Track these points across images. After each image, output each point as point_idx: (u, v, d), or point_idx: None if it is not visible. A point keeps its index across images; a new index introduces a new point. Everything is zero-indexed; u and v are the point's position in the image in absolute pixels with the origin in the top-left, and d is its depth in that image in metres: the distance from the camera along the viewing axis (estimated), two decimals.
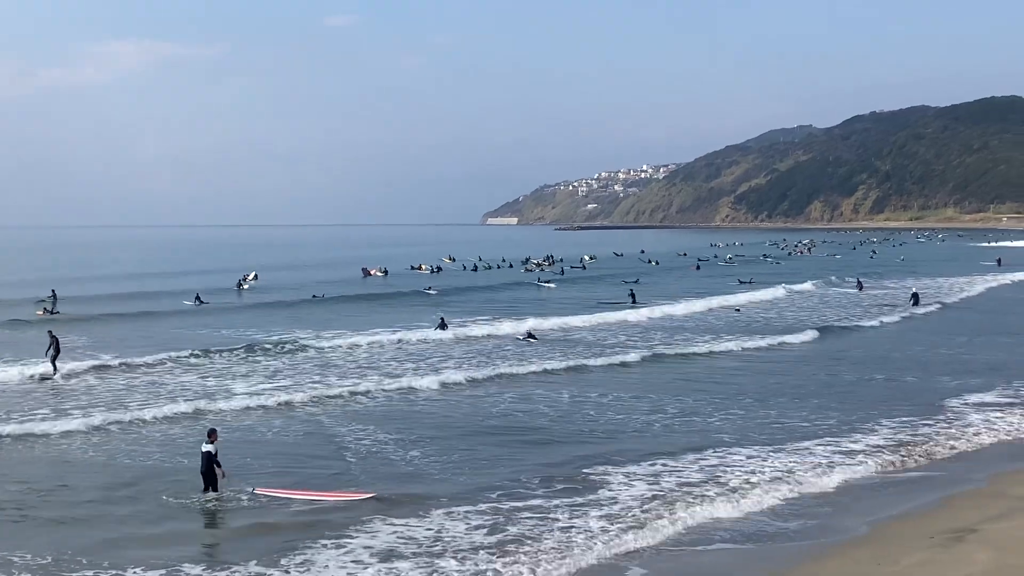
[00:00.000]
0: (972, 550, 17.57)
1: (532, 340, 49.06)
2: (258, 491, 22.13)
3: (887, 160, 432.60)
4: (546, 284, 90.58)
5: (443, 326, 52.11)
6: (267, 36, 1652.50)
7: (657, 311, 62.89)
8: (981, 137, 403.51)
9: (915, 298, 67.11)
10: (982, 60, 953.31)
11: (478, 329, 52.97)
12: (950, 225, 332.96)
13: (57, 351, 38.89)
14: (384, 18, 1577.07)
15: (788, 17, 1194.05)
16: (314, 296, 76.08)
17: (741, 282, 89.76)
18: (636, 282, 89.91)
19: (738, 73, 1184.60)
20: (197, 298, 71.85)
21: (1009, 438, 27.55)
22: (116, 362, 40.74)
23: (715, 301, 69.14)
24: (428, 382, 36.22)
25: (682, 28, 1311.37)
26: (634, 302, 69.51)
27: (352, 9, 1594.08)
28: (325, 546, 18.57)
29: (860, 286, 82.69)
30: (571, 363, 41.20)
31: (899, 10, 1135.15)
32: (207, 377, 38.13)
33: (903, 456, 25.30)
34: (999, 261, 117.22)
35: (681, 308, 64.67)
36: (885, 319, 58.69)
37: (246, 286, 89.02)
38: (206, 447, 22.07)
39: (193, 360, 41.63)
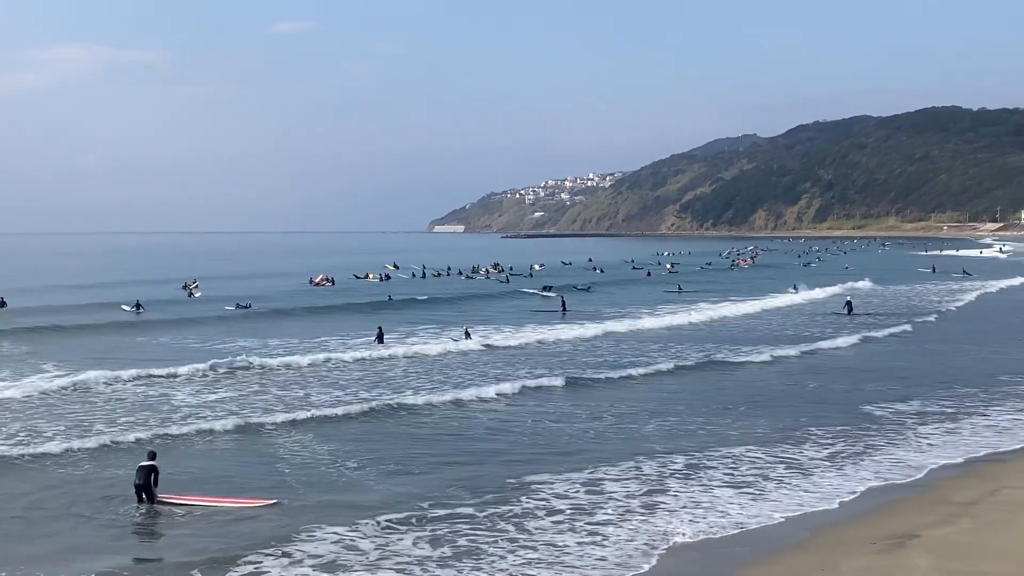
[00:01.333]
0: (913, 556, 17.63)
1: (468, 341, 49.63)
2: (160, 497, 21.94)
3: (830, 169, 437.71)
4: (547, 294, 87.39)
5: (380, 338, 51.05)
6: (216, 42, 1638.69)
7: (634, 323, 61.22)
8: (922, 147, 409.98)
9: (849, 306, 67.37)
10: (923, 71, 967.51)
11: (422, 343, 51.57)
12: (891, 234, 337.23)
13: None
14: (333, 26, 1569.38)
15: (733, 27, 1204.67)
16: (238, 305, 74.31)
17: (681, 290, 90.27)
18: (588, 289, 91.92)
19: (683, 82, 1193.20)
20: (137, 305, 71.31)
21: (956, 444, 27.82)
22: (55, 375, 39.26)
23: (691, 311, 68.94)
24: (370, 395, 35.75)
25: (628, 38, 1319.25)
26: (565, 310, 69.79)
27: (302, 16, 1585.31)
28: (270, 555, 18.36)
29: (795, 289, 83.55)
30: (518, 381, 39.07)
31: (841, 21, 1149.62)
32: (139, 386, 37.51)
33: (851, 462, 25.50)
34: (933, 268, 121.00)
35: (648, 322, 62.32)
36: (895, 329, 56.82)
37: (198, 294, 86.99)
38: (144, 462, 22.09)
39: (135, 374, 39.79)
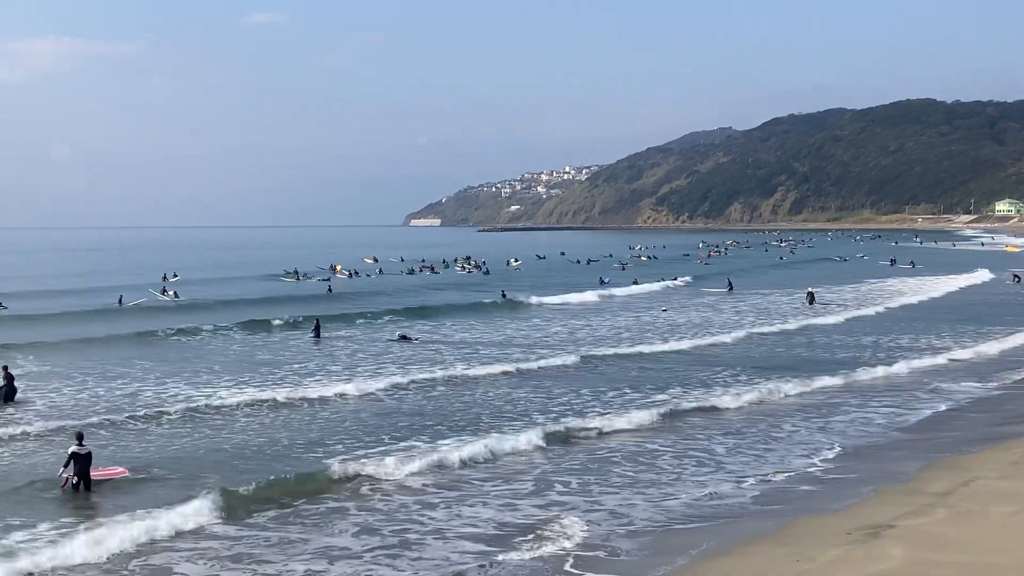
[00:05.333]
0: (887, 546, 17.51)
1: (406, 341, 48.89)
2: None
3: (805, 162, 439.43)
4: (674, 282, 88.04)
5: (317, 332, 51.32)
6: (190, 33, 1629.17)
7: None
8: (897, 139, 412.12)
9: (810, 297, 67.42)
10: (897, 64, 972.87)
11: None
12: (866, 226, 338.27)
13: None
14: (307, 17, 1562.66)
15: (707, 20, 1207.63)
16: (164, 290, 75.88)
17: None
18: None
19: (658, 75, 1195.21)
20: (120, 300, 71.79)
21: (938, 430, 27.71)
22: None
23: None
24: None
25: (603, 30, 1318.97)
26: (504, 297, 71.54)
27: (276, 7, 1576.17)
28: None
29: (730, 287, 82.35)
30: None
31: (816, 14, 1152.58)
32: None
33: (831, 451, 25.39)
34: (892, 261, 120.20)
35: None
36: None
37: (171, 293, 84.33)
38: (80, 449, 22.09)
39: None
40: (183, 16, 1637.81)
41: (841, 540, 18.06)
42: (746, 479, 22.86)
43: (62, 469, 22.08)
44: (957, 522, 19.03)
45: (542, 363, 41.05)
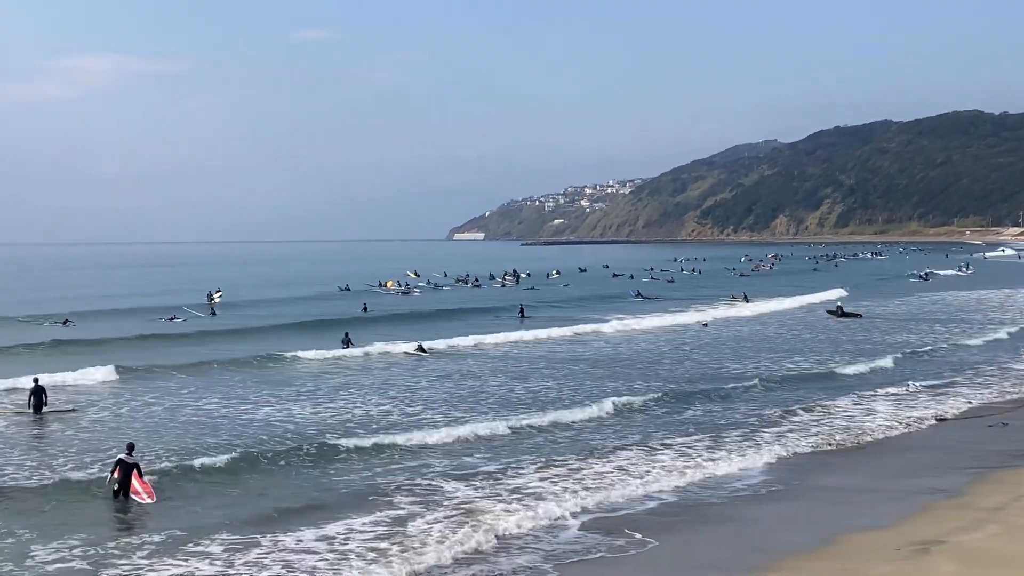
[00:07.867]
0: (938, 562, 17.37)
1: (423, 354, 48.96)
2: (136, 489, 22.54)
3: (851, 174, 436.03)
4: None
5: (347, 343, 51.68)
6: (236, 50, 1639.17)
7: None
8: (944, 151, 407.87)
9: (839, 310, 68.74)
10: (944, 75, 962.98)
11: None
12: (914, 239, 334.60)
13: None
14: (354, 32, 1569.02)
15: (751, 32, 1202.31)
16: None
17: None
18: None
19: (703, 88, 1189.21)
20: (173, 317, 71.31)
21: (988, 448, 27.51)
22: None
23: None
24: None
25: (646, 44, 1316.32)
26: (523, 316, 70.13)
27: (322, 24, 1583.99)
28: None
29: (746, 297, 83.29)
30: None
31: (861, 25, 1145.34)
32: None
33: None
34: (926, 276, 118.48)
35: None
36: None
37: (217, 298, 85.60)
38: (127, 458, 22.55)
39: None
40: (232, 33, 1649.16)
41: (891, 556, 17.94)
42: None
43: (109, 474, 22.68)
44: (1010, 538, 18.81)
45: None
